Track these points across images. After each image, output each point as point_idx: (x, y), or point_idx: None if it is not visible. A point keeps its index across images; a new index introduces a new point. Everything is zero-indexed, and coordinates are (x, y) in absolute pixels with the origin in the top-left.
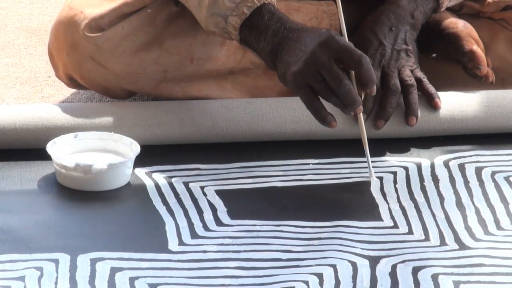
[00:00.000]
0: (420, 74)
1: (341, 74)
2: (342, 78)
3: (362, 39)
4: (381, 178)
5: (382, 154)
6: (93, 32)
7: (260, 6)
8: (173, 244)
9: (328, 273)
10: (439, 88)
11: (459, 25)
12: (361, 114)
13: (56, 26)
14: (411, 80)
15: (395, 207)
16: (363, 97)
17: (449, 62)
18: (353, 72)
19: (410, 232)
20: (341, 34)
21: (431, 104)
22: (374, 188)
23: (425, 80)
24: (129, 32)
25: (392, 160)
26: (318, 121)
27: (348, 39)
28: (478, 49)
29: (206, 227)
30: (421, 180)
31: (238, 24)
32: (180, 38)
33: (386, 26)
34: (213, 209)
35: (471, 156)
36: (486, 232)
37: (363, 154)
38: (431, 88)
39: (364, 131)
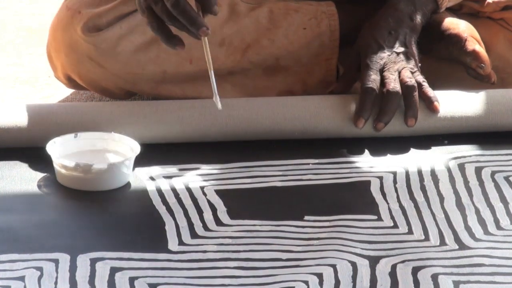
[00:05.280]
0: (420, 77)
1: None
2: None
3: (362, 44)
4: (381, 178)
5: (382, 154)
6: (91, 32)
7: None
8: (173, 244)
9: (328, 273)
10: (439, 88)
11: (460, 25)
12: (205, 38)
13: (54, 27)
14: (411, 81)
15: (395, 207)
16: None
17: (449, 63)
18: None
19: (410, 232)
20: None
21: (430, 107)
22: (374, 188)
23: (425, 84)
24: (127, 32)
25: (392, 160)
26: (164, 43)
27: (348, 45)
28: (481, 48)
29: (206, 227)
30: (421, 180)
31: None
32: None
33: (385, 29)
34: (213, 209)
35: (471, 156)
36: (486, 232)
37: (363, 154)
38: (430, 92)
39: (209, 54)
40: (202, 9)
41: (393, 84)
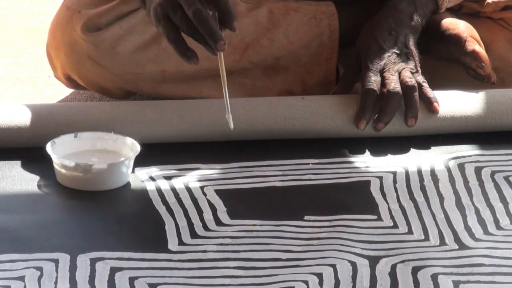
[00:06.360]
0: (420, 78)
1: (197, 2)
2: (198, 6)
3: (362, 45)
4: (381, 178)
5: (382, 154)
6: (90, 31)
7: None
8: (173, 244)
9: (327, 273)
10: (439, 88)
11: (460, 25)
12: (221, 54)
13: (54, 26)
14: (412, 82)
15: (395, 207)
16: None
17: (449, 63)
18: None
19: (410, 232)
20: None
21: (430, 108)
22: (374, 188)
23: (425, 84)
24: (127, 31)
25: (392, 160)
26: (179, 56)
27: (348, 46)
28: (481, 49)
29: (206, 227)
30: (421, 180)
31: None
32: None
33: (386, 30)
34: (213, 209)
35: (470, 156)
36: (486, 232)
37: (363, 154)
38: (430, 92)
39: (224, 71)
40: (221, 23)
41: (394, 85)
